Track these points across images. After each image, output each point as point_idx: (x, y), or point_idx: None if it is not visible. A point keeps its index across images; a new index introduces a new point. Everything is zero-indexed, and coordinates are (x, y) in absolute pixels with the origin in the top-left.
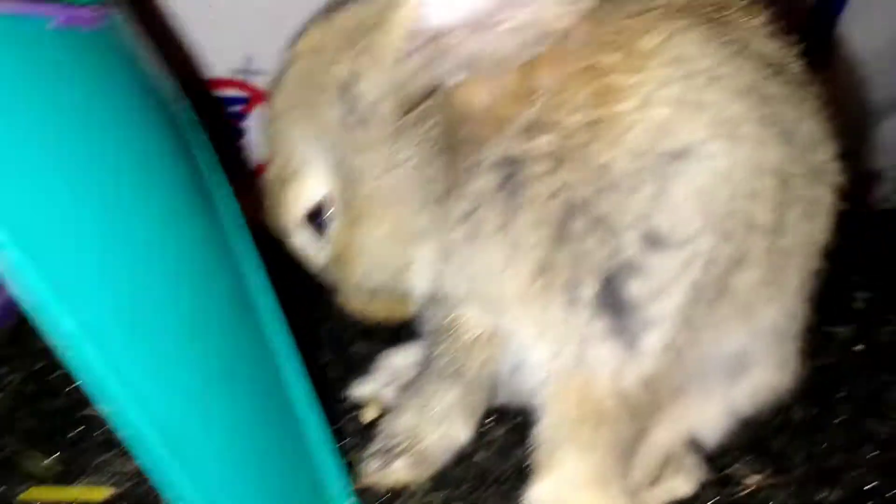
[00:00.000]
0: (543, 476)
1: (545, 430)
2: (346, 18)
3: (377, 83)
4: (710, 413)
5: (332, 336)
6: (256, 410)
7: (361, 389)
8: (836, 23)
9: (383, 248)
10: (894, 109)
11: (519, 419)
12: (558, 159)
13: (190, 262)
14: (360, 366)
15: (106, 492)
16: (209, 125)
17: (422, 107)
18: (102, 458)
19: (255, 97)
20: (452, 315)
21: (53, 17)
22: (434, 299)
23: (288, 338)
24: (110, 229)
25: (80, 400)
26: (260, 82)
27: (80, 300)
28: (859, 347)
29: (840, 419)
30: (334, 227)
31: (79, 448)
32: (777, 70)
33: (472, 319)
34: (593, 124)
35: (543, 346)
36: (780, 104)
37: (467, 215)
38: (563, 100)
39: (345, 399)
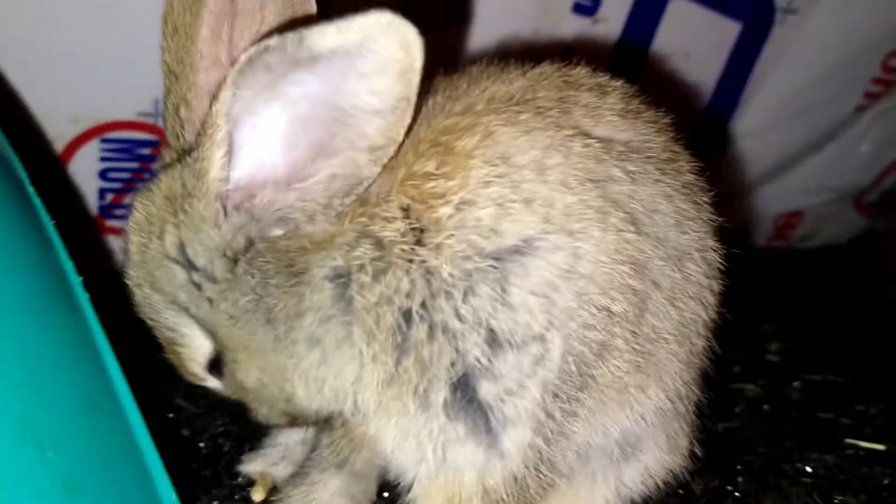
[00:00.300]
0: None
1: None
2: (163, 188)
3: (203, 247)
4: (600, 498)
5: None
6: None
7: (252, 466)
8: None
9: (263, 390)
10: (809, 154)
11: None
12: (382, 270)
13: (35, 363)
14: (258, 437)
15: None
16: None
17: (248, 256)
18: None
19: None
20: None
21: None
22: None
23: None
24: None
25: None
26: None
27: None
28: (766, 407)
29: (738, 493)
30: (225, 376)
31: None
32: (630, 150)
33: (353, 423)
34: (413, 232)
35: (407, 451)
36: (633, 186)
37: (311, 338)
38: (383, 210)
39: (238, 475)
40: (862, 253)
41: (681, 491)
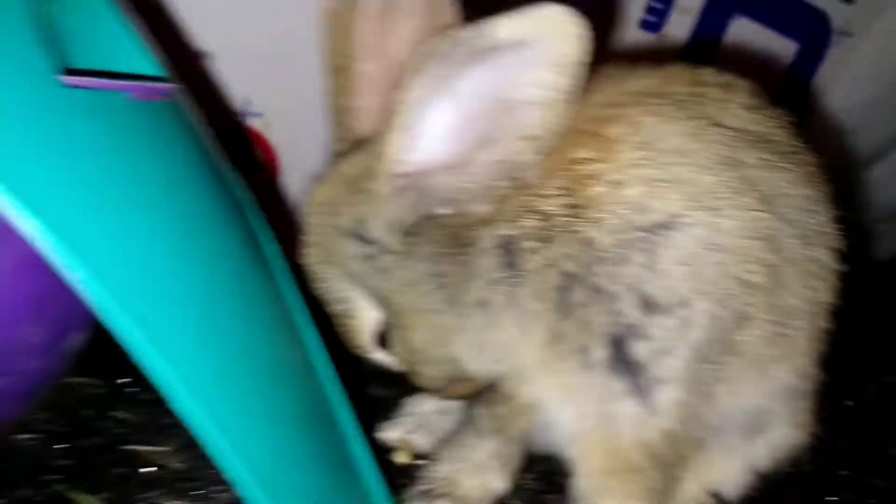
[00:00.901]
0: None
1: (581, 485)
2: (342, 171)
3: (379, 222)
4: (731, 469)
5: (349, 378)
6: (316, 441)
7: (390, 433)
8: (811, 84)
9: (430, 351)
10: (873, 161)
11: (544, 467)
12: (546, 238)
13: (251, 304)
14: (379, 410)
15: None
16: None
17: (421, 230)
18: (148, 495)
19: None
20: (496, 383)
21: (134, 92)
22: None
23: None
24: (184, 267)
25: (116, 437)
26: (257, 124)
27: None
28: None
29: (845, 473)
30: (392, 343)
31: (124, 487)
32: (758, 139)
33: (513, 387)
34: (572, 207)
35: (568, 409)
36: (763, 171)
37: (479, 301)
38: (542, 190)
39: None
40: None
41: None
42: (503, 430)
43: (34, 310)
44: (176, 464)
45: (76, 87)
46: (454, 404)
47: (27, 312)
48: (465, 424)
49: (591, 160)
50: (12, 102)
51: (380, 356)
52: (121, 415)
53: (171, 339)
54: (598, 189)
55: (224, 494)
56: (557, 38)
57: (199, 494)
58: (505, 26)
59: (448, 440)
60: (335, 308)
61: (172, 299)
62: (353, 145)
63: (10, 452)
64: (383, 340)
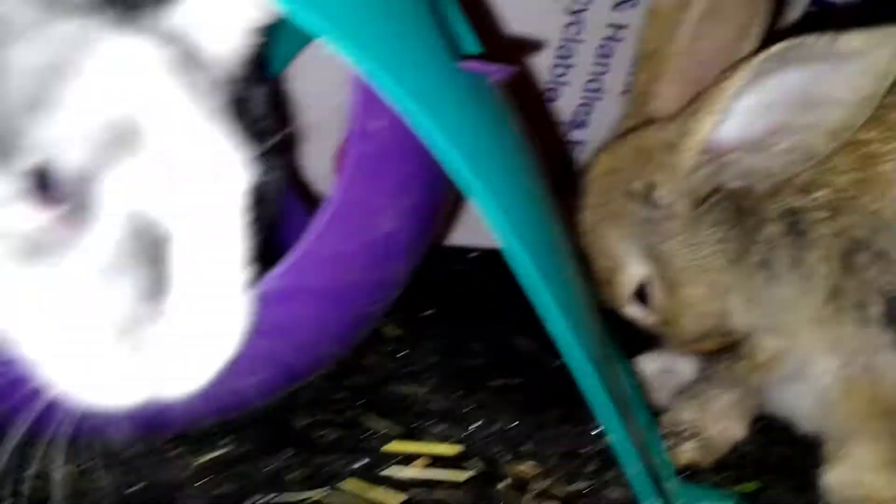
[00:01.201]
0: (838, 463)
1: (836, 426)
2: (633, 143)
3: (673, 190)
4: None
5: None
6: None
7: None
8: None
9: (701, 306)
10: None
11: (764, 422)
12: (835, 208)
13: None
14: None
15: (455, 448)
16: None
17: (710, 201)
18: (427, 424)
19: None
20: (748, 340)
21: (500, 74)
22: (743, 332)
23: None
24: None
25: (378, 379)
26: None
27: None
28: None
29: None
30: (656, 299)
31: (403, 416)
32: None
33: (764, 343)
34: (860, 182)
35: (833, 358)
36: None
37: (762, 262)
38: (831, 165)
39: None
40: None
41: None
42: (743, 382)
43: (403, 254)
44: (439, 402)
45: (470, 70)
46: (677, 366)
47: (399, 257)
48: (705, 377)
49: (876, 141)
50: (444, 84)
51: (633, 310)
52: (370, 361)
53: (540, 259)
54: (885, 167)
55: (494, 426)
56: (891, 54)
57: (477, 426)
58: (856, 40)
59: (684, 392)
60: (601, 263)
61: (540, 231)
62: (643, 122)
63: None
64: (641, 296)
